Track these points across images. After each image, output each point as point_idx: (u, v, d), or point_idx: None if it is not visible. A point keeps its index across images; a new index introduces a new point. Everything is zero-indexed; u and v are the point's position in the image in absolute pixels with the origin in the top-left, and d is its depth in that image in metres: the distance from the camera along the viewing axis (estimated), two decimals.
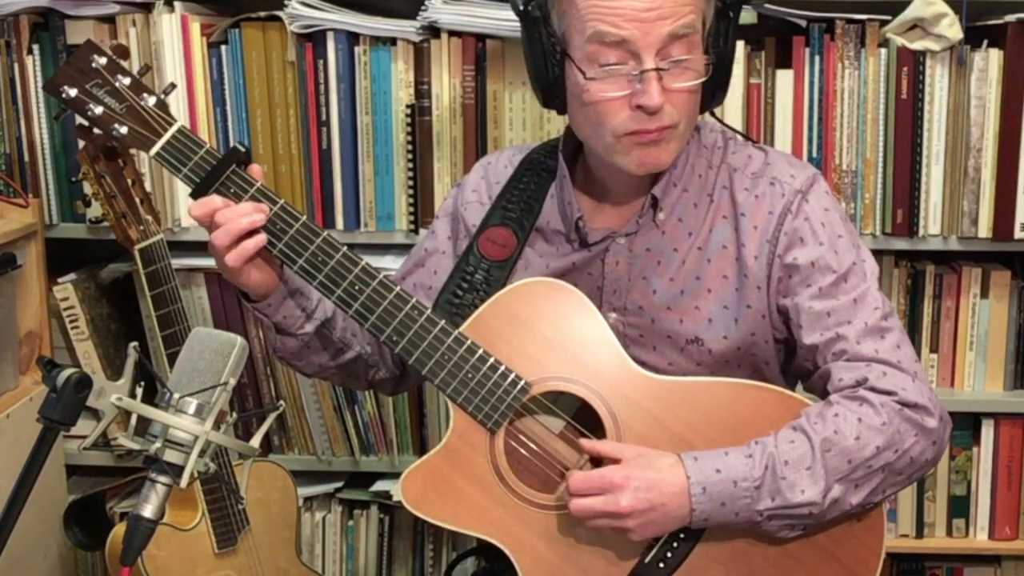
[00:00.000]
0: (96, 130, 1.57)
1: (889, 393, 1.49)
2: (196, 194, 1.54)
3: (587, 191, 1.66)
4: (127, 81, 1.54)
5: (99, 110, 1.54)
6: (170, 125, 1.54)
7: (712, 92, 1.56)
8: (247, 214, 1.52)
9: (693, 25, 1.48)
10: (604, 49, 1.47)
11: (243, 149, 1.55)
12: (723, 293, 1.58)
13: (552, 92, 1.55)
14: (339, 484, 2.46)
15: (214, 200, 1.53)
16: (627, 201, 1.63)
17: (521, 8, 1.52)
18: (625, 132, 1.50)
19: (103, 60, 1.54)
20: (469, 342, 1.55)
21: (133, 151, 1.90)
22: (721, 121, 1.68)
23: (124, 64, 1.56)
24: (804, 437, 1.48)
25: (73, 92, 1.54)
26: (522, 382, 1.55)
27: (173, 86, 1.63)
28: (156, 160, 1.55)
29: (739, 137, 1.67)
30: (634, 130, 1.49)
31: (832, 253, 1.55)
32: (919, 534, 2.37)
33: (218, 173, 1.53)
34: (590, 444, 1.53)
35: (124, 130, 1.54)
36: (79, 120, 1.59)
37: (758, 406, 1.54)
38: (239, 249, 1.52)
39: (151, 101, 1.55)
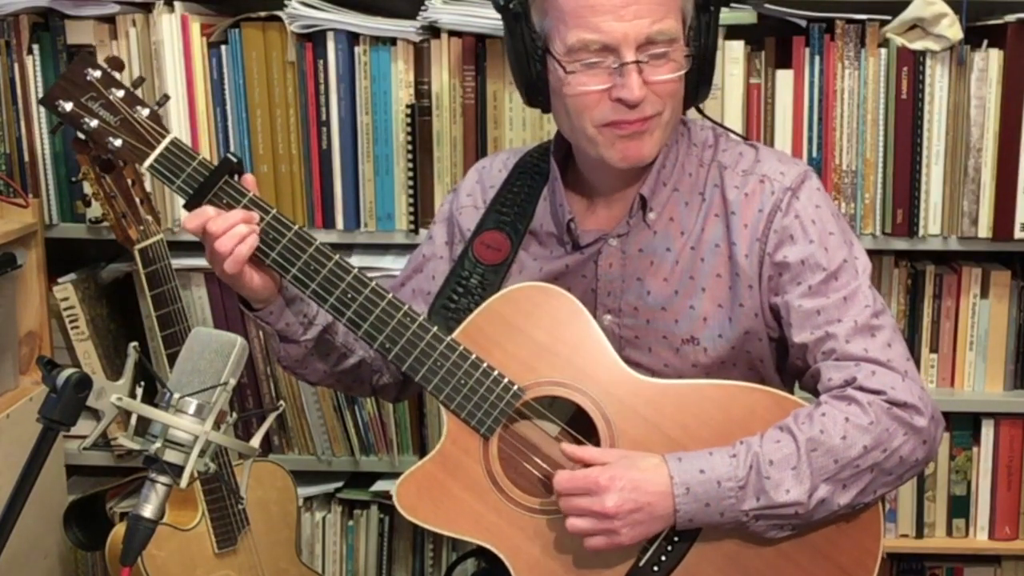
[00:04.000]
0: (91, 143, 1.57)
1: (877, 392, 1.49)
2: (190, 205, 1.54)
3: (578, 193, 1.66)
4: (121, 94, 1.54)
5: (94, 123, 1.54)
6: (163, 137, 1.54)
7: (696, 86, 1.56)
8: (245, 220, 1.52)
9: (672, 25, 1.48)
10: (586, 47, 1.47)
11: (235, 159, 1.54)
12: (717, 292, 1.58)
13: (535, 89, 1.55)
14: (339, 484, 2.46)
15: (206, 211, 1.52)
16: (617, 202, 1.63)
17: (501, 3, 1.52)
18: (604, 123, 1.50)
19: (97, 73, 1.54)
20: (461, 348, 1.55)
21: None
22: (712, 120, 1.68)
23: (118, 76, 1.56)
24: (790, 437, 1.47)
25: (68, 106, 1.53)
26: (515, 387, 1.55)
27: (167, 97, 1.63)
28: (150, 172, 1.55)
29: (730, 135, 1.67)
30: (613, 120, 1.50)
31: (822, 251, 1.55)
32: (919, 534, 2.37)
33: (211, 184, 1.53)
34: (572, 450, 1.52)
35: (118, 143, 1.54)
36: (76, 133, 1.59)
37: (752, 408, 1.53)
38: (233, 255, 1.51)
39: (144, 113, 1.55)
